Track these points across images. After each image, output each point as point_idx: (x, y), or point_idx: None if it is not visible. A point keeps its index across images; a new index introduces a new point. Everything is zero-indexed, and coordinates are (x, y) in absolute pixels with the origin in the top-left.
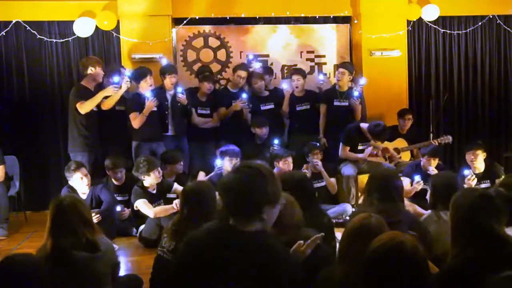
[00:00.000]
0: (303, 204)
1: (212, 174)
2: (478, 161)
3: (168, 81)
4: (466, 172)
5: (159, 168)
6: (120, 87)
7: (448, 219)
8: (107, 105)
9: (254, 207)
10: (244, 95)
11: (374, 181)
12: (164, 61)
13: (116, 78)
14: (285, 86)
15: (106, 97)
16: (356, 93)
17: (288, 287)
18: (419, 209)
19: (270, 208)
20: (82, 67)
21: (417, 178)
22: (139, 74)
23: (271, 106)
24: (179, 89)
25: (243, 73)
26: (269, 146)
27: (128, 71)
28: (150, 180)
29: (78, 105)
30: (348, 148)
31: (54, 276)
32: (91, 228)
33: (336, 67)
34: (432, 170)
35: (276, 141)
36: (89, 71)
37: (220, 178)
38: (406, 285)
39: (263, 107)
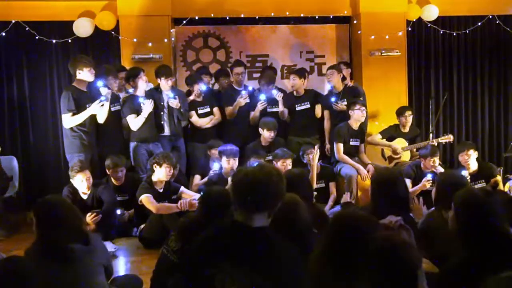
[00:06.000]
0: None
1: (211, 174)
2: (472, 160)
3: (164, 83)
4: (463, 173)
5: (172, 167)
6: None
7: (451, 219)
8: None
9: (271, 203)
10: (244, 92)
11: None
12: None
13: (103, 91)
14: (274, 92)
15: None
16: (333, 99)
17: (292, 280)
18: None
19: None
20: (71, 70)
21: (429, 176)
22: (132, 74)
23: (278, 109)
24: (171, 94)
25: (239, 69)
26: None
27: (105, 90)
28: (159, 174)
29: (63, 118)
30: (342, 145)
31: (48, 270)
32: (80, 222)
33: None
34: (440, 169)
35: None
36: (77, 76)
37: (239, 173)
38: (398, 283)
39: (269, 109)
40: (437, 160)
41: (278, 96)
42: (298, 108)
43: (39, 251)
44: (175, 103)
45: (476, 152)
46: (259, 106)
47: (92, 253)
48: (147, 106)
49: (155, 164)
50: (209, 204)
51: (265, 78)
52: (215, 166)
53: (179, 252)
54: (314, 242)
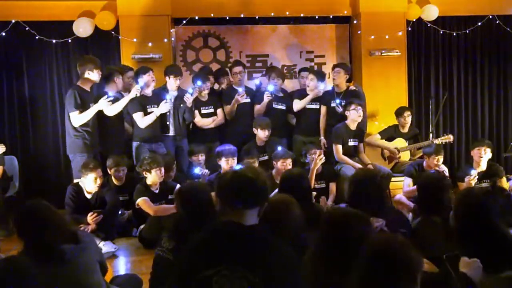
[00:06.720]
0: (298, 199)
1: (210, 176)
2: (485, 158)
3: (173, 82)
4: (472, 172)
5: (162, 168)
6: (116, 98)
7: (451, 219)
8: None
9: (262, 199)
10: (240, 89)
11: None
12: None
13: (110, 92)
14: (271, 88)
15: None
16: (337, 101)
17: (288, 278)
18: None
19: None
20: (79, 69)
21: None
22: (142, 71)
23: (283, 106)
24: (190, 90)
25: (238, 69)
26: (270, 152)
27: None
28: (151, 178)
29: (72, 116)
30: (340, 146)
31: (42, 273)
32: (65, 222)
33: (332, 67)
34: (444, 168)
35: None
36: (86, 75)
37: (227, 174)
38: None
39: (274, 106)
40: (441, 158)
41: (320, 87)
42: (307, 106)
43: (30, 255)
44: (191, 99)
45: (491, 154)
46: (265, 98)
47: (84, 251)
48: (166, 105)
49: (145, 171)
50: (183, 199)
51: (276, 71)
52: (196, 171)
53: (175, 251)
54: (308, 242)
